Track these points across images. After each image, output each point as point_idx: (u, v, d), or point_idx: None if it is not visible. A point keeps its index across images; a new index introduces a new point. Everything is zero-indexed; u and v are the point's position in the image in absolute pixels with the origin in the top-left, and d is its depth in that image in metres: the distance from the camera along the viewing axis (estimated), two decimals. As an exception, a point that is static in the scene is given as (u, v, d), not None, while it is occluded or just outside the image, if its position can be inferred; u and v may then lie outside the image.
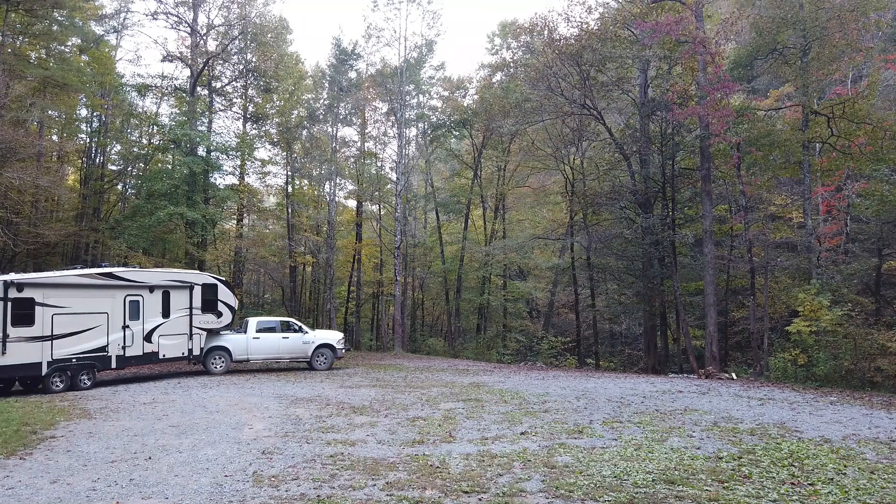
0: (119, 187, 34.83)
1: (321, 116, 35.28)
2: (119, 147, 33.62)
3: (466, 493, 5.96)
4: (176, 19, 30.10)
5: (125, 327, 16.03)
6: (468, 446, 8.06)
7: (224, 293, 18.70)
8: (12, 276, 14.47)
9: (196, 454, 7.76)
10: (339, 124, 35.47)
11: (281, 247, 35.57)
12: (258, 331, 18.99)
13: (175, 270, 19.36)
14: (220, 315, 18.45)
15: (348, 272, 37.83)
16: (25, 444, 8.51)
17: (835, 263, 20.36)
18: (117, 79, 31.53)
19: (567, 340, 29.65)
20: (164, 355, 16.99)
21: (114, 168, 34.49)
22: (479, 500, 5.76)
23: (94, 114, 33.21)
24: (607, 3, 23.97)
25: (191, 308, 17.63)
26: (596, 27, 21.94)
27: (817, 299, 16.94)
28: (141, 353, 16.42)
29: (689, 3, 19.89)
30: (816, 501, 5.76)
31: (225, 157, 30.89)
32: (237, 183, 33.65)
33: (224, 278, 20.45)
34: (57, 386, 14.61)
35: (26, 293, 14.30)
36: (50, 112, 30.11)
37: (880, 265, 21.47)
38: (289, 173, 36.60)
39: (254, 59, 32.06)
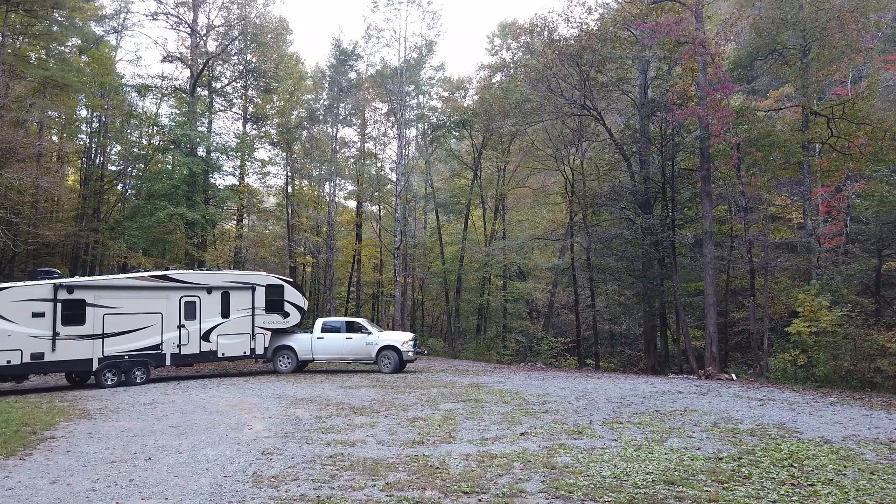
0: (119, 188, 34.83)
1: (321, 117, 35.28)
2: (119, 147, 33.63)
3: (466, 493, 5.96)
4: (176, 20, 30.10)
5: (181, 326, 16.90)
6: (468, 447, 8.06)
7: (291, 294, 19.18)
8: (63, 280, 15.65)
9: (196, 455, 7.75)
10: (339, 125, 35.48)
11: (281, 247, 35.57)
12: (323, 330, 19.02)
13: (237, 272, 20.04)
14: (286, 315, 18.88)
15: (348, 273, 37.83)
16: (25, 444, 8.50)
17: (835, 264, 20.36)
18: (117, 79, 31.53)
19: (567, 341, 29.65)
20: (223, 354, 17.73)
21: (114, 168, 34.49)
22: (479, 500, 5.76)
23: (94, 114, 33.23)
24: (607, 4, 23.98)
25: (253, 308, 18.23)
26: (596, 28, 21.94)
27: (817, 300, 16.94)
28: (198, 352, 17.30)
29: (689, 4, 19.90)
30: (816, 502, 5.76)
31: (225, 157, 30.91)
32: (237, 183, 33.64)
33: (292, 279, 20.72)
34: (109, 381, 15.68)
35: (76, 294, 15.46)
36: (50, 112, 30.13)
37: (880, 266, 21.47)
38: (289, 174, 36.60)
39: (254, 60, 32.06)
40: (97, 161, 33.61)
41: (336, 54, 33.86)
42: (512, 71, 29.11)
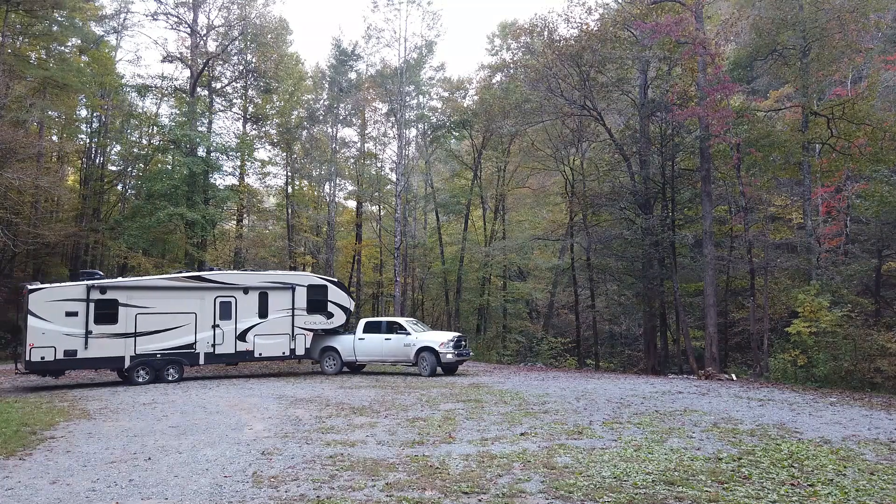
0: (119, 188, 34.84)
1: (321, 117, 35.29)
2: (119, 147, 33.64)
3: (466, 493, 5.96)
4: (176, 20, 30.13)
5: (215, 326, 16.94)
6: (468, 447, 8.06)
7: (335, 294, 18.83)
8: (96, 281, 16.10)
9: (196, 455, 7.75)
10: (339, 125, 35.50)
11: (281, 247, 35.56)
12: (364, 331, 18.57)
13: (277, 272, 20.10)
14: (330, 316, 18.51)
15: (348, 273, 37.81)
16: (25, 444, 8.50)
17: (835, 264, 20.35)
18: (117, 79, 31.54)
19: (567, 341, 29.63)
20: (260, 354, 17.61)
21: (114, 168, 34.51)
22: (479, 500, 5.76)
23: (94, 114, 33.23)
24: (607, 4, 23.99)
25: (293, 309, 17.98)
26: (596, 28, 21.94)
27: (817, 300, 16.93)
28: (233, 352, 17.30)
29: (689, 4, 19.89)
30: (816, 502, 5.76)
31: (225, 157, 30.92)
32: (237, 183, 33.65)
33: (337, 279, 20.13)
34: (142, 378, 16.06)
35: (109, 295, 15.95)
36: (50, 112, 30.14)
37: (880, 266, 21.47)
38: (289, 174, 36.60)
39: (254, 60, 32.07)
40: (97, 161, 33.61)
41: (336, 54, 33.88)
42: (512, 71, 29.09)
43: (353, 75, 34.77)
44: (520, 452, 7.67)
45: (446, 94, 35.16)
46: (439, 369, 17.99)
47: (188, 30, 30.04)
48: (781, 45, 19.70)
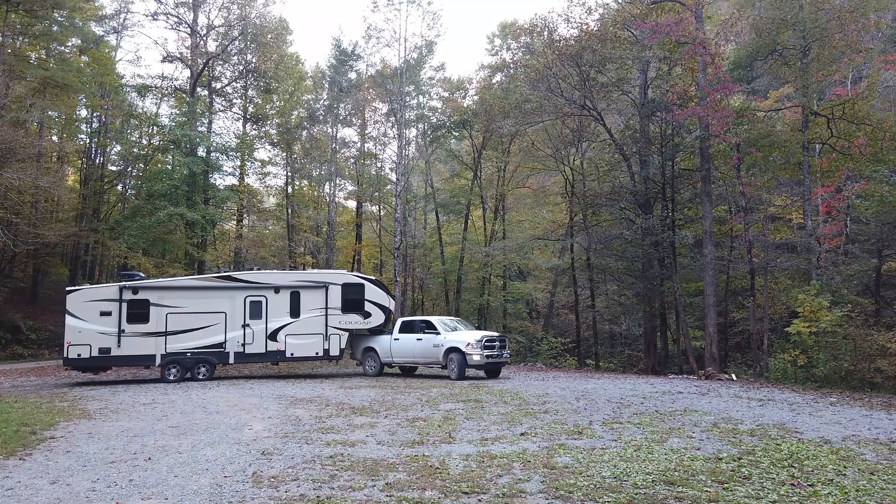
0: (119, 188, 34.86)
1: (321, 117, 35.30)
2: (119, 147, 33.67)
3: (466, 493, 5.95)
4: (176, 20, 30.15)
5: (245, 326, 17.10)
6: (468, 447, 8.05)
7: (373, 292, 18.23)
8: (128, 282, 16.76)
9: (196, 455, 7.75)
10: (339, 125, 35.50)
11: (281, 247, 35.57)
12: (400, 331, 17.77)
13: (311, 271, 20.06)
14: (367, 315, 17.96)
15: (348, 273, 37.77)
16: (25, 444, 8.50)
17: (835, 264, 20.35)
18: (117, 79, 31.56)
19: (567, 341, 29.62)
20: (291, 354, 17.46)
21: (114, 168, 34.54)
22: (479, 500, 5.76)
23: (94, 114, 33.25)
24: (607, 4, 23.99)
25: (326, 308, 17.65)
26: (596, 28, 21.94)
27: (817, 300, 16.93)
28: (263, 351, 17.27)
29: (689, 4, 19.90)
30: (816, 502, 5.75)
31: (225, 157, 30.94)
32: (237, 183, 33.66)
33: (375, 277, 19.44)
34: (172, 376, 16.58)
35: (141, 295, 16.61)
36: (50, 112, 30.16)
37: (880, 266, 21.47)
38: (289, 174, 36.61)
39: (254, 60, 32.09)
40: (97, 161, 33.63)
41: (336, 54, 33.88)
42: (512, 71, 29.10)
43: (353, 75, 34.78)
44: (520, 452, 7.67)
45: (446, 94, 35.18)
46: (481, 373, 17.08)
47: (188, 30, 30.05)
48: (781, 45, 19.70)
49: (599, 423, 9.83)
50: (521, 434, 8.90)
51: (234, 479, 6.59)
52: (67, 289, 17.01)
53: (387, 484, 6.28)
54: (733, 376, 17.83)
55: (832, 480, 6.42)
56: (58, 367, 20.86)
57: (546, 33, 23.74)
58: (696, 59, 19.96)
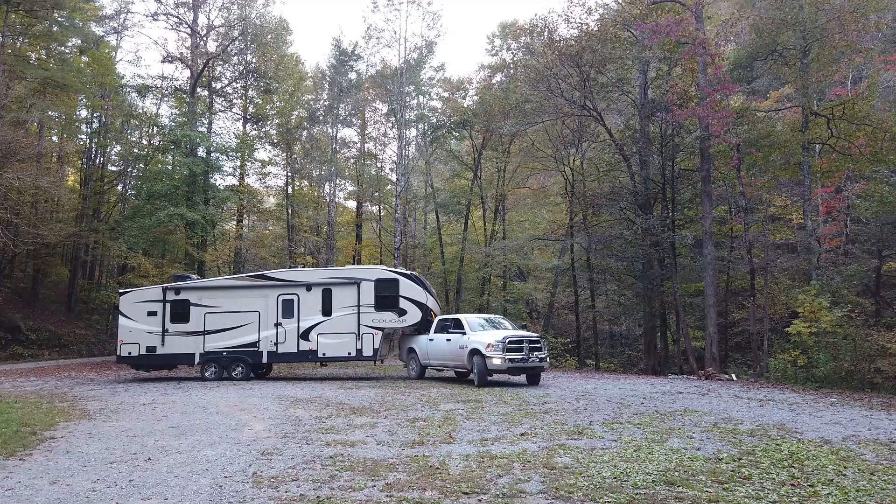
0: (119, 188, 34.86)
1: (321, 117, 35.31)
2: (119, 148, 33.67)
3: (466, 493, 5.95)
4: (176, 20, 30.16)
5: (277, 325, 16.99)
6: (468, 447, 8.05)
7: (409, 288, 16.94)
8: (170, 283, 17.52)
9: (196, 455, 7.75)
10: (339, 125, 35.51)
11: (281, 248, 35.59)
12: (436, 330, 16.38)
13: (344, 267, 19.73)
14: (402, 313, 16.75)
15: (348, 273, 37.75)
16: (25, 444, 8.50)
17: (835, 265, 20.34)
18: (117, 80, 31.56)
19: (567, 341, 29.61)
20: (324, 354, 16.89)
21: (114, 169, 34.54)
22: (479, 501, 5.76)
23: (94, 114, 33.26)
24: (607, 5, 24.02)
25: (358, 305, 16.76)
26: (596, 28, 21.95)
27: (817, 300, 16.94)
28: (295, 351, 16.94)
29: (689, 4, 19.90)
30: (816, 502, 5.75)
31: (225, 157, 30.94)
32: (237, 184, 33.67)
33: (411, 272, 18.01)
34: (211, 374, 16.94)
35: (182, 295, 17.19)
36: (50, 113, 30.16)
37: (880, 266, 21.46)
38: (289, 174, 36.63)
39: (254, 60, 32.10)
40: (97, 161, 33.63)
41: (336, 55, 33.88)
42: (512, 71, 29.10)
43: (353, 75, 34.79)
44: (520, 453, 7.67)
45: (446, 95, 35.21)
46: (517, 378, 15.75)
47: (188, 30, 30.05)
48: (781, 45, 19.70)
49: (599, 423, 9.83)
50: (522, 434, 8.89)
51: (234, 479, 6.59)
52: (119, 291, 18.35)
53: (387, 484, 6.28)
54: (733, 376, 17.83)
55: (832, 481, 6.42)
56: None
57: (546, 33, 23.74)
58: (696, 60, 19.97)
